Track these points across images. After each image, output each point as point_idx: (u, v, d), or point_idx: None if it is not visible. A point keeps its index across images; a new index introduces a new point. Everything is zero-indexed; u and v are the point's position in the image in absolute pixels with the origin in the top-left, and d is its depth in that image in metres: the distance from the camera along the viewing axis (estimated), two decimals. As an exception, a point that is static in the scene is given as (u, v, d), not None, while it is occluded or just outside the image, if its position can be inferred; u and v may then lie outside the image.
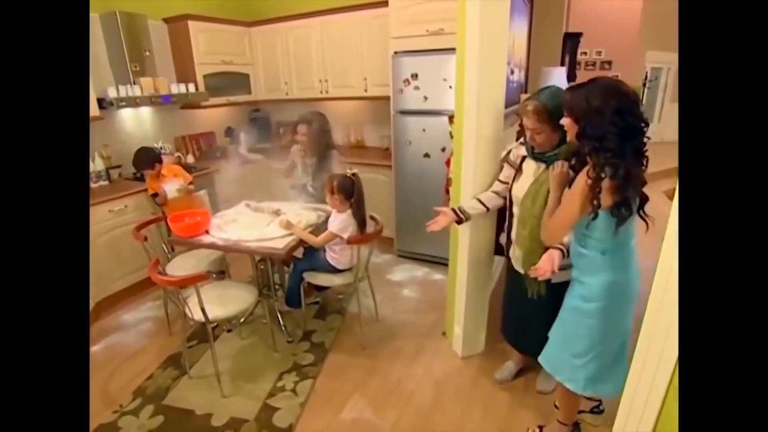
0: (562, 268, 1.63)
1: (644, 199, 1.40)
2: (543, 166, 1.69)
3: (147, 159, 2.86)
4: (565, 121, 1.41)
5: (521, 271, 1.83)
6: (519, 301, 1.92)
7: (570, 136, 1.42)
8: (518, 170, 1.80)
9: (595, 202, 1.28)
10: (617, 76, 7.42)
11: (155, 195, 2.87)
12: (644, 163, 1.32)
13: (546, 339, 1.78)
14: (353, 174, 2.30)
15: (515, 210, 1.82)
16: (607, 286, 1.42)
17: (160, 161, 2.94)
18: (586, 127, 1.31)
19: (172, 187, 2.84)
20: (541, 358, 1.68)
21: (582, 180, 1.32)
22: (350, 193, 2.25)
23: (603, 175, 1.26)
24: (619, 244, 1.40)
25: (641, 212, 1.41)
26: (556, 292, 1.73)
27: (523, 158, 1.78)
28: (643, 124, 1.30)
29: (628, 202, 1.29)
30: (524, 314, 1.96)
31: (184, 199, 2.89)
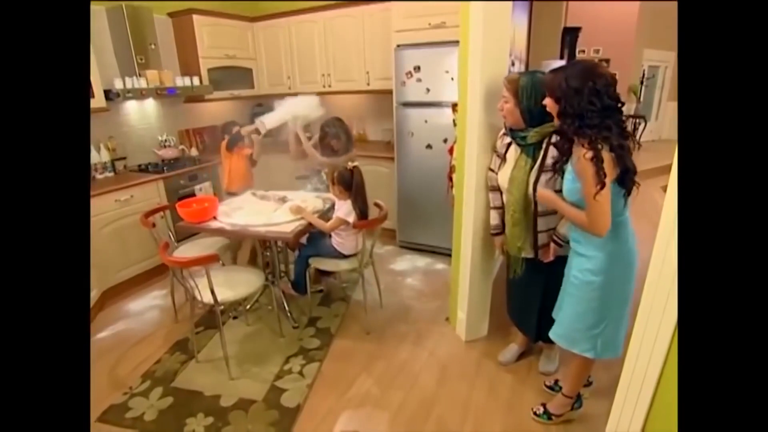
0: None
1: (633, 170, 1.44)
2: (520, 151, 1.76)
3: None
4: (546, 101, 1.50)
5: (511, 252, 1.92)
6: (517, 283, 1.99)
7: (553, 115, 1.50)
8: (503, 159, 1.86)
9: (601, 174, 1.33)
10: (615, 75, 7.51)
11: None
12: (628, 136, 1.41)
13: (544, 317, 1.84)
14: (353, 167, 2.35)
15: (505, 197, 1.89)
16: (611, 258, 1.49)
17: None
18: (566, 106, 1.39)
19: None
20: (553, 336, 1.72)
21: (586, 164, 1.35)
22: (348, 184, 2.32)
23: (600, 146, 1.33)
24: (617, 215, 1.46)
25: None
26: (549, 271, 1.81)
27: (507, 148, 1.84)
28: (618, 104, 1.39)
29: (630, 169, 1.37)
30: (523, 295, 2.02)
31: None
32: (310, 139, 2.97)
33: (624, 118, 1.42)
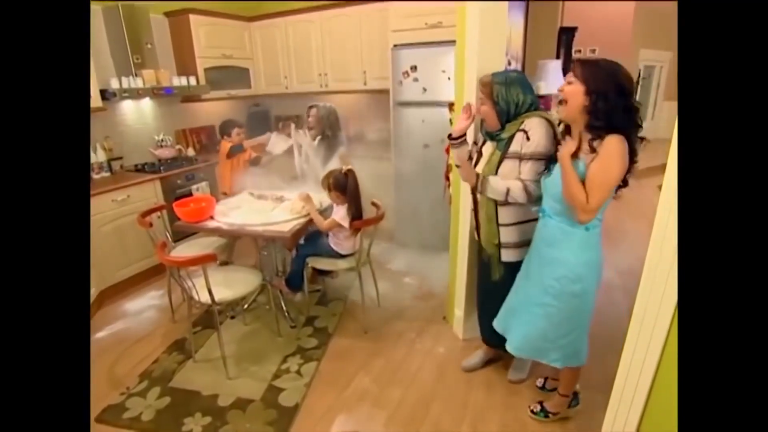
0: (517, 246, 1.76)
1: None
2: (494, 146, 1.75)
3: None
4: (571, 89, 1.39)
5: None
6: (491, 286, 1.95)
7: (575, 103, 1.38)
8: (479, 153, 1.84)
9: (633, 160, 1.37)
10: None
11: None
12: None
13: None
14: (348, 170, 2.35)
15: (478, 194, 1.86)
16: (589, 264, 1.49)
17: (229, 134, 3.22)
18: (602, 100, 1.33)
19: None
20: (519, 351, 1.71)
21: (622, 143, 1.33)
22: (344, 188, 2.32)
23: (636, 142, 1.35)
24: (599, 218, 1.46)
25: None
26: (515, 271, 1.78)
27: (484, 142, 1.83)
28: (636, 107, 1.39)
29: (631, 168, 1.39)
30: (498, 299, 1.94)
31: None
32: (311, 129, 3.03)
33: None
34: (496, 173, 1.70)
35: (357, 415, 1.93)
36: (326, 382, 2.14)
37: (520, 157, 1.65)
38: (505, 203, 1.73)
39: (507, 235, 1.78)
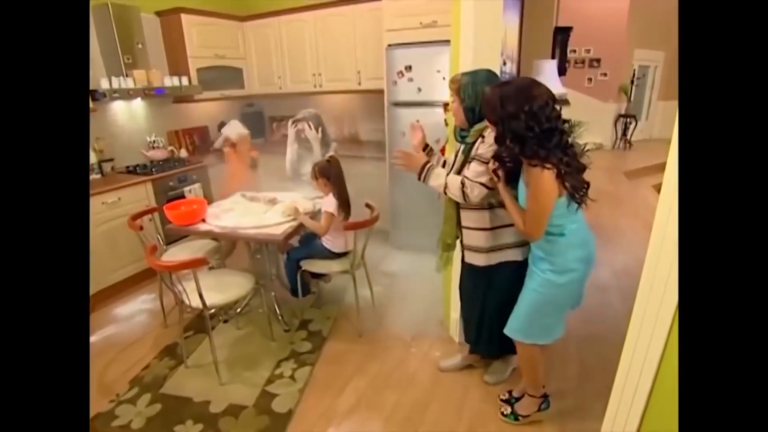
0: (481, 251, 1.77)
1: (582, 186, 1.43)
2: (461, 150, 1.75)
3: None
4: (486, 122, 1.51)
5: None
6: (462, 288, 2.03)
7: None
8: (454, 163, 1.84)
9: (566, 185, 1.36)
10: (605, 74, 7.54)
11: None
12: (572, 154, 1.39)
13: (483, 329, 1.88)
14: (330, 157, 2.39)
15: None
16: (576, 260, 1.50)
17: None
18: (506, 131, 1.36)
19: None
20: (507, 332, 1.69)
21: (543, 175, 1.34)
22: (328, 174, 2.34)
23: (548, 166, 1.33)
24: (572, 221, 1.46)
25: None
26: (490, 278, 1.80)
27: (459, 151, 1.83)
28: (559, 123, 1.36)
29: (579, 185, 1.39)
30: (466, 300, 2.01)
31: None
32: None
33: (568, 134, 1.41)
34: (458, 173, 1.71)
35: (352, 420, 1.90)
36: (321, 386, 2.11)
37: (474, 158, 1.66)
38: (467, 207, 1.75)
39: (471, 238, 1.80)
